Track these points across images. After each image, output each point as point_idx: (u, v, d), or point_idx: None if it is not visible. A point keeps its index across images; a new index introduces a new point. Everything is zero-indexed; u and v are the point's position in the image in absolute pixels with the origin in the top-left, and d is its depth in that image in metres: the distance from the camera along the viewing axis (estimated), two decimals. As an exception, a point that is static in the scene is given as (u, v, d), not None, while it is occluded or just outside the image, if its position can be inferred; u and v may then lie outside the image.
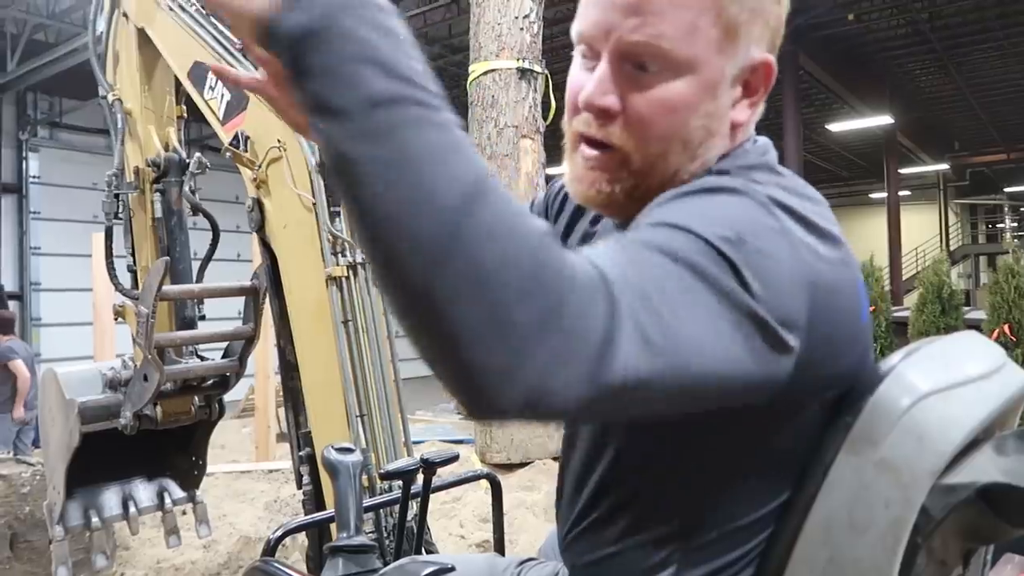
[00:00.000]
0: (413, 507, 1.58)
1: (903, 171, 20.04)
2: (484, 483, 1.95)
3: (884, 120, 15.18)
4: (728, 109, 0.82)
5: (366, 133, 0.51)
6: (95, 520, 2.94)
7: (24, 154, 12.38)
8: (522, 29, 5.64)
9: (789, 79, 12.37)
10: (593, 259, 0.59)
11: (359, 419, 2.03)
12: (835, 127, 16.13)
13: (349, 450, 1.07)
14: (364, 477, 1.59)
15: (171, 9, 2.51)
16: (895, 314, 8.35)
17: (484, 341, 0.50)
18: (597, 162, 0.82)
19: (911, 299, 12.82)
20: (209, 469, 3.21)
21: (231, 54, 2.28)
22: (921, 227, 24.90)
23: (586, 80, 0.82)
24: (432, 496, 1.43)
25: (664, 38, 0.76)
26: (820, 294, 0.69)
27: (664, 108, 0.78)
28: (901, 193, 19.86)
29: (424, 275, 0.50)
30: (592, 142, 0.82)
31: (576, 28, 0.83)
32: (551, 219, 1.10)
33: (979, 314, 7.57)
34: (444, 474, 1.60)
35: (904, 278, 19.25)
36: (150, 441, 2.84)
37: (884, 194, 19.50)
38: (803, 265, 0.69)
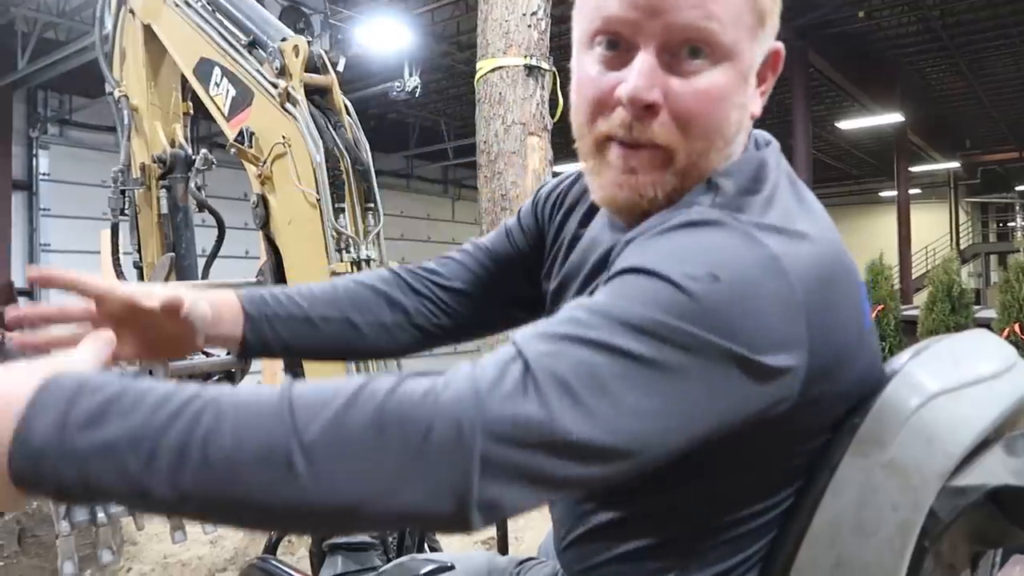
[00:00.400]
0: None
1: (913, 169, 19.93)
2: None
3: (894, 118, 15.10)
4: (750, 100, 0.79)
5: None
6: (101, 515, 2.94)
7: (34, 151, 12.45)
8: (530, 26, 5.62)
9: (799, 76, 12.31)
10: (525, 344, 0.59)
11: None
12: (845, 125, 16.05)
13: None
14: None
15: (177, 6, 2.51)
16: (905, 313, 8.29)
17: (385, 499, 0.54)
18: (640, 163, 0.75)
19: (921, 298, 12.76)
20: (215, 465, 3.21)
21: (237, 51, 2.28)
22: (931, 225, 24.76)
23: (609, 76, 0.75)
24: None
25: (715, 20, 0.71)
26: (818, 310, 0.66)
27: (710, 99, 0.73)
28: (911, 191, 19.76)
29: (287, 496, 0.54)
30: (627, 143, 0.76)
31: (597, 16, 0.75)
32: (541, 224, 1.06)
33: (989, 313, 7.52)
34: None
35: (914, 276, 19.15)
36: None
37: (894, 192, 19.40)
38: (794, 288, 0.65)
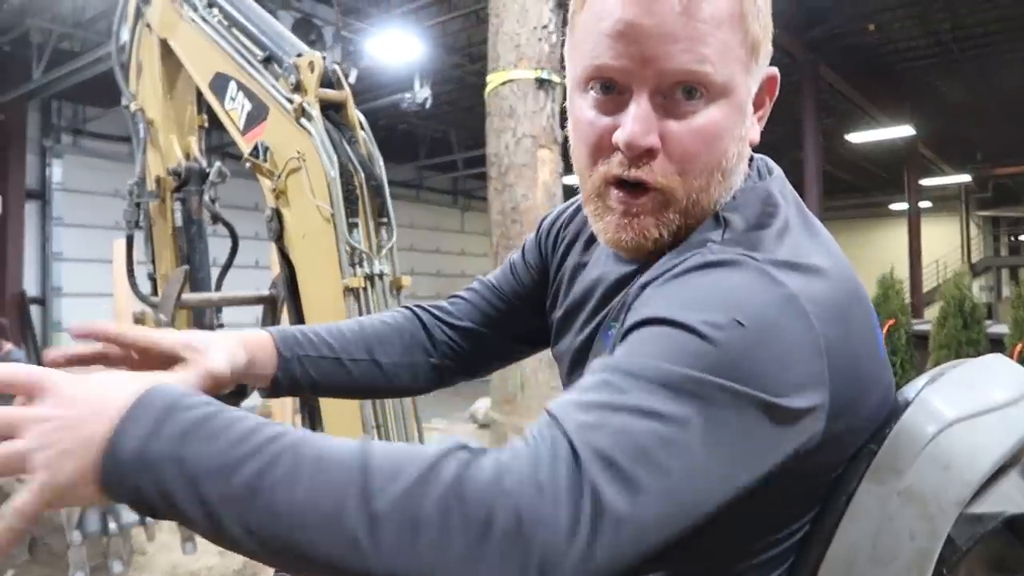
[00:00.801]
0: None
1: (924, 182, 19.86)
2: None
3: (905, 131, 15.06)
4: (748, 130, 0.79)
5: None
6: (112, 526, 2.97)
7: (48, 161, 12.55)
8: (540, 39, 5.64)
9: (808, 90, 12.31)
10: (555, 421, 0.59)
11: (375, 430, 2.03)
12: (855, 138, 16.01)
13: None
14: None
15: (193, 21, 2.54)
16: (916, 328, 8.24)
17: None
18: (641, 207, 0.77)
19: (931, 312, 12.67)
20: (225, 476, 3.23)
21: (252, 66, 2.30)
22: (942, 239, 24.63)
23: (605, 121, 0.76)
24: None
25: (707, 62, 0.72)
26: (837, 346, 0.67)
27: (706, 138, 0.74)
28: (922, 204, 19.68)
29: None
30: (628, 185, 0.76)
31: (589, 63, 0.76)
32: (546, 257, 1.08)
33: (1001, 328, 7.46)
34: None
35: (924, 290, 19.04)
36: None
37: (903, 205, 19.32)
38: (813, 327, 0.65)
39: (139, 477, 0.56)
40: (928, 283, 21.22)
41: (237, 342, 0.92)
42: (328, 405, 2.18)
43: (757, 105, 0.81)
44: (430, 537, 0.53)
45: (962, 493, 0.69)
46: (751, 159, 0.84)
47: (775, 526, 0.74)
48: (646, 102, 0.74)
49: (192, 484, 0.55)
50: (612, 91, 0.76)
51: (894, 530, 0.69)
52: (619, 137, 0.74)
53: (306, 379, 1.00)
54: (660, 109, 0.74)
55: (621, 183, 0.77)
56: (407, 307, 1.15)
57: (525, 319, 1.11)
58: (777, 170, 0.85)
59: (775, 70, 0.81)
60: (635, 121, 0.73)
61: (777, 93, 0.82)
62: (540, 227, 1.11)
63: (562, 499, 0.54)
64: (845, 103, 14.84)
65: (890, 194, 23.68)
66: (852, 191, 24.10)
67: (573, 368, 0.93)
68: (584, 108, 0.78)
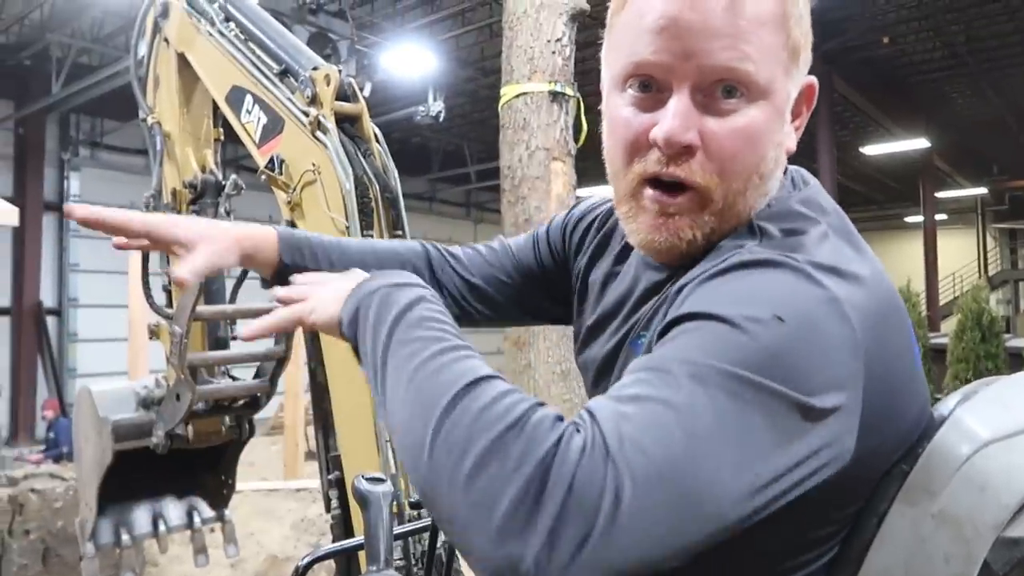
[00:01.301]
0: (442, 535, 1.56)
1: (940, 195, 19.73)
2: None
3: (920, 143, 14.97)
4: (786, 136, 0.78)
5: (382, 375, 0.70)
6: (125, 538, 2.96)
7: (65, 173, 12.69)
8: (554, 52, 5.65)
9: (823, 102, 12.22)
10: (597, 414, 0.58)
11: (389, 444, 2.01)
12: (870, 150, 15.94)
13: (380, 480, 1.05)
14: (394, 505, 1.57)
15: (211, 35, 2.56)
16: (933, 341, 8.15)
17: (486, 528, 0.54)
18: (678, 206, 0.75)
19: (948, 325, 12.54)
20: (238, 486, 3.23)
21: (268, 79, 2.31)
22: (958, 252, 24.42)
23: (643, 118, 0.75)
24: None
25: (749, 60, 0.71)
26: (876, 354, 0.66)
27: (746, 138, 0.73)
28: (937, 217, 19.54)
29: (414, 469, 0.61)
30: (663, 184, 0.75)
31: (628, 60, 0.75)
32: (568, 249, 1.06)
33: (1020, 342, 7.37)
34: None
35: (941, 303, 18.87)
36: (180, 459, 2.86)
37: (919, 218, 19.18)
38: (855, 330, 0.64)
39: (360, 339, 0.75)
40: (944, 296, 21.03)
41: (243, 235, 1.02)
42: (342, 419, 2.17)
43: (795, 114, 0.80)
44: (472, 464, 0.55)
45: (999, 516, 0.66)
46: (785, 169, 0.83)
47: (804, 547, 0.72)
48: (687, 98, 0.73)
49: (376, 330, 0.72)
50: (651, 89, 0.75)
51: (927, 554, 0.67)
52: (657, 133, 0.73)
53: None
54: (700, 107, 0.73)
55: (656, 183, 0.76)
56: (421, 242, 1.16)
57: (534, 294, 1.11)
58: (813, 181, 0.83)
59: (813, 79, 0.80)
60: (675, 116, 0.72)
61: (815, 103, 0.81)
62: (569, 216, 1.09)
63: (596, 482, 0.54)
64: (860, 116, 14.80)
65: (905, 206, 23.54)
66: (867, 203, 23.97)
67: (599, 378, 0.91)
68: (621, 107, 0.77)
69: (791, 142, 0.80)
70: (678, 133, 0.72)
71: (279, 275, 1.04)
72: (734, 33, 0.70)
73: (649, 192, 0.76)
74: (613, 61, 0.79)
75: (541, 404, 0.60)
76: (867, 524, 0.70)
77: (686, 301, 0.67)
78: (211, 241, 0.96)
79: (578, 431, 0.57)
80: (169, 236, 0.97)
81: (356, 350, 0.77)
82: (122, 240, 1.03)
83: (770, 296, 0.63)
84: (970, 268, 24.42)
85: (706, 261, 0.74)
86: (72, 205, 0.97)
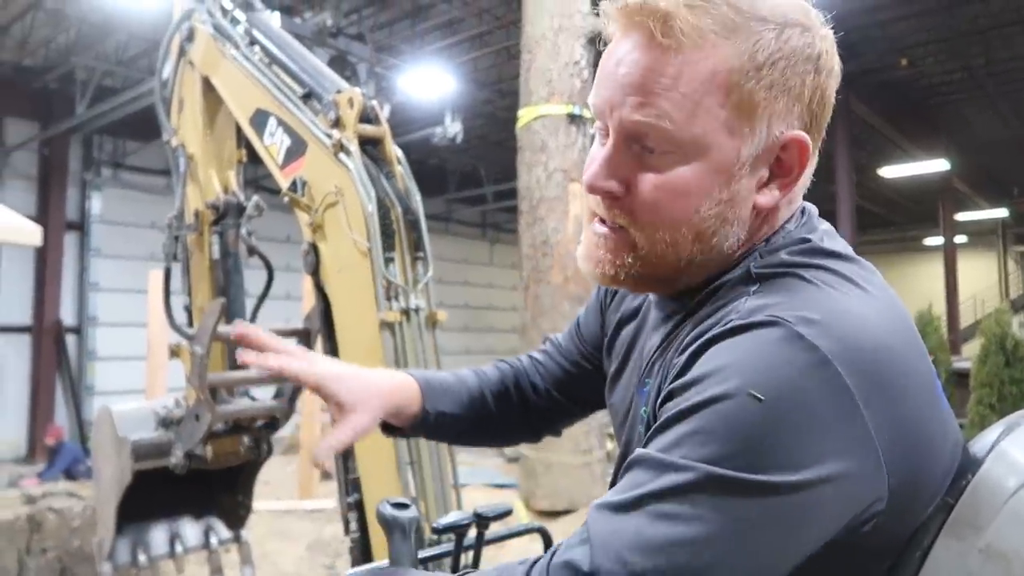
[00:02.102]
0: (465, 557, 1.54)
1: (959, 217, 19.55)
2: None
3: (940, 165, 14.87)
4: (750, 193, 0.75)
5: None
6: (143, 558, 2.95)
7: (87, 193, 12.86)
8: (572, 75, 5.69)
9: (841, 124, 12.24)
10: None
11: (409, 466, 2.00)
12: (888, 172, 15.85)
13: (405, 506, 1.04)
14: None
15: (235, 58, 2.59)
16: (956, 365, 8.04)
17: None
18: (604, 241, 0.80)
19: (969, 348, 12.36)
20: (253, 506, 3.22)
21: (292, 102, 2.33)
22: (979, 274, 24.15)
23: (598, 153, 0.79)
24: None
25: (666, 118, 0.72)
26: (883, 406, 0.64)
27: (671, 193, 0.74)
28: (957, 239, 19.35)
29: None
30: (604, 221, 0.80)
31: (591, 101, 0.80)
32: (606, 306, 1.09)
33: (1045, 367, 7.24)
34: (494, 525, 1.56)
35: (962, 326, 18.64)
36: (198, 479, 2.86)
37: (938, 240, 19.01)
38: (849, 391, 0.62)
39: None
40: (965, 319, 20.77)
41: (394, 391, 1.05)
42: (361, 441, 2.16)
43: (783, 170, 0.76)
44: None
45: (1048, 551, 0.64)
46: (803, 209, 0.82)
47: None
48: (616, 148, 0.76)
49: None
50: (604, 132, 0.79)
51: (975, 590, 0.64)
52: (584, 177, 0.79)
53: (435, 432, 1.13)
54: (633, 157, 0.76)
55: (601, 218, 0.81)
56: (511, 366, 1.20)
57: (591, 381, 1.12)
58: (822, 225, 0.82)
59: (800, 134, 0.74)
60: (596, 164, 0.77)
61: (808, 160, 0.77)
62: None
63: None
64: (878, 137, 14.73)
65: (925, 228, 23.35)
66: (886, 225, 23.80)
67: (623, 422, 0.93)
68: (594, 143, 0.82)
69: (764, 199, 0.76)
70: (595, 180, 0.77)
71: (414, 428, 1.10)
72: (653, 91, 0.72)
73: (595, 224, 0.81)
74: (590, 98, 0.83)
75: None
76: (910, 559, 0.68)
77: (677, 372, 0.70)
78: (368, 408, 1.01)
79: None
80: (332, 394, 1.00)
81: None
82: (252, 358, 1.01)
83: (749, 369, 0.63)
84: (991, 291, 24.12)
85: (707, 310, 0.76)
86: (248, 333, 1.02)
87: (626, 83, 0.73)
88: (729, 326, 0.68)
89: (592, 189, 0.77)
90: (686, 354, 0.70)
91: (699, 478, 0.61)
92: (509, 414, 1.16)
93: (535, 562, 0.67)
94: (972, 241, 24.35)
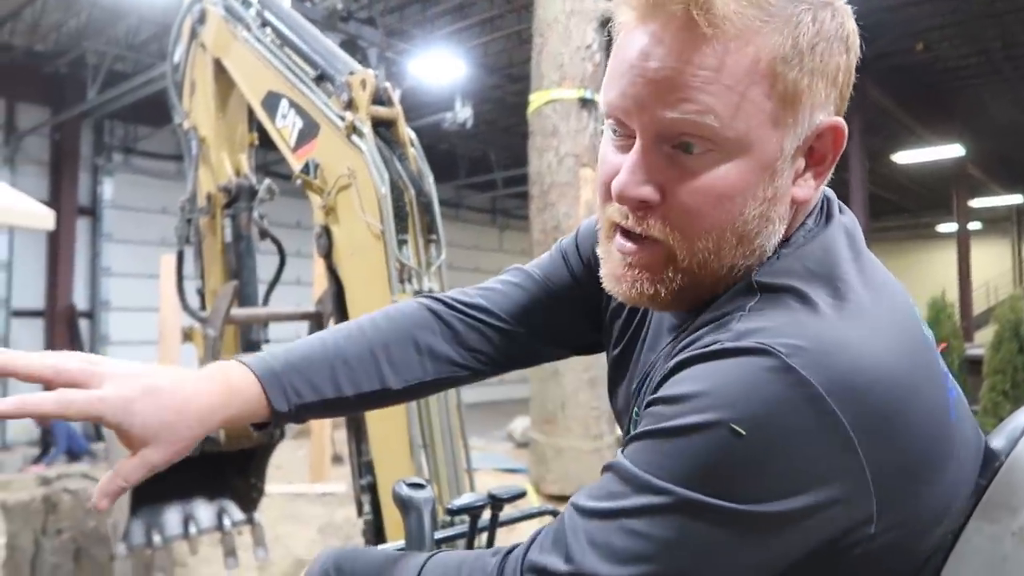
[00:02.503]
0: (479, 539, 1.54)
1: (973, 203, 19.38)
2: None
3: (954, 151, 14.72)
4: (789, 188, 0.70)
5: None
6: (157, 539, 2.98)
7: (99, 178, 12.91)
8: (584, 59, 5.64)
9: (855, 110, 12.04)
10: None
11: (422, 449, 2.00)
12: (901, 158, 15.71)
13: (421, 486, 1.03)
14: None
15: (247, 40, 2.57)
16: (969, 352, 7.98)
17: None
18: (637, 258, 0.71)
19: (982, 335, 12.27)
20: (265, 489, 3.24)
21: (305, 84, 2.32)
22: (992, 261, 23.96)
23: (615, 161, 0.71)
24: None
25: (710, 114, 0.65)
26: (878, 433, 0.61)
27: (713, 197, 0.67)
28: (971, 225, 19.19)
29: None
30: (630, 234, 0.72)
31: (604, 98, 0.71)
32: (586, 267, 0.97)
33: (1060, 354, 7.18)
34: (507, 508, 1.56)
35: (975, 313, 18.52)
36: (211, 462, 2.87)
37: (952, 227, 18.86)
38: (838, 421, 0.60)
39: None
40: (978, 306, 20.63)
41: (211, 410, 0.81)
42: (375, 425, 2.16)
43: (816, 159, 0.71)
44: None
45: (1083, 534, 0.63)
46: (823, 201, 0.76)
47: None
48: (647, 150, 0.69)
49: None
50: (624, 132, 0.71)
51: (1008, 572, 0.63)
52: (613, 185, 0.70)
53: (303, 419, 0.90)
54: (666, 159, 0.68)
55: (626, 231, 0.72)
56: (420, 302, 1.00)
57: (572, 319, 1.00)
58: (839, 216, 0.76)
59: (838, 121, 0.71)
60: (627, 170, 0.69)
61: (843, 146, 0.72)
62: (584, 232, 1.01)
63: None
64: (892, 123, 14.59)
65: (938, 215, 23.17)
66: (898, 212, 23.62)
67: (624, 413, 0.90)
68: (605, 144, 0.74)
69: (802, 191, 0.71)
70: (628, 188, 0.69)
71: (279, 425, 0.89)
72: (692, 85, 0.65)
73: (618, 239, 0.73)
74: (602, 94, 0.75)
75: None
76: (941, 543, 0.67)
77: (664, 378, 0.67)
78: (170, 441, 0.77)
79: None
80: (123, 429, 0.75)
81: None
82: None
83: (736, 399, 0.60)
84: (1004, 278, 23.94)
85: (704, 319, 0.72)
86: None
87: (659, 77, 0.65)
88: (717, 348, 0.64)
89: (624, 199, 0.69)
90: (672, 363, 0.67)
91: (675, 502, 0.60)
92: (411, 369, 0.95)
93: (508, 553, 0.67)
94: (986, 228, 24.15)
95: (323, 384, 0.89)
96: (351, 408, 0.96)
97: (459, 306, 0.99)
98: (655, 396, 0.65)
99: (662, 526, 0.61)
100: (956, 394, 0.71)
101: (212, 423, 0.80)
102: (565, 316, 1.00)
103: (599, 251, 0.78)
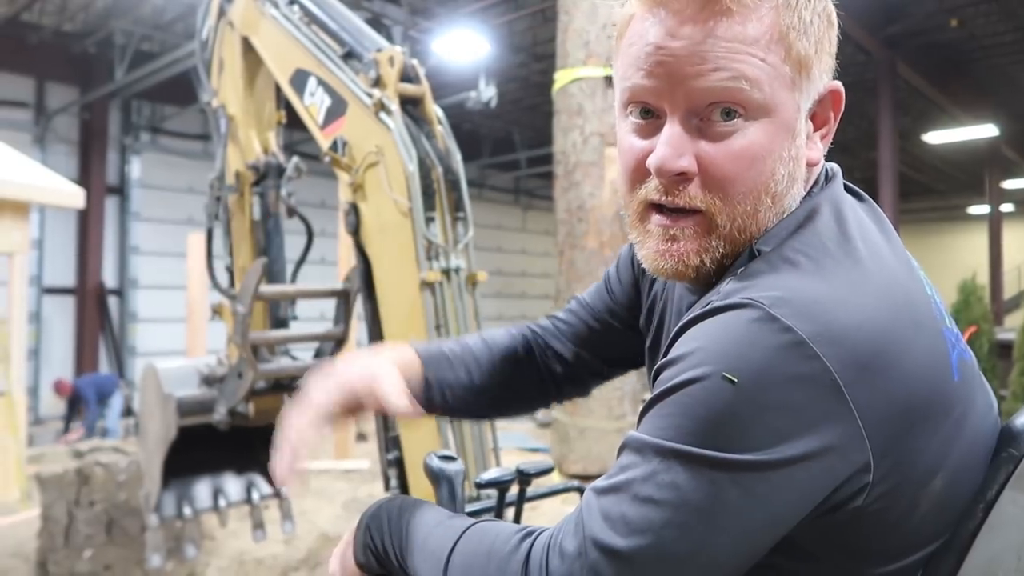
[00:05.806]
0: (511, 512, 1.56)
1: (1006, 185, 18.99)
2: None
3: (987, 130, 14.40)
4: (804, 150, 0.76)
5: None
6: (187, 511, 3.04)
7: (127, 158, 13.05)
8: (610, 36, 5.56)
9: (885, 88, 11.89)
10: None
11: (449, 424, 2.02)
12: (933, 138, 15.41)
13: (452, 459, 1.05)
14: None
15: (275, 18, 2.58)
16: (999, 336, 7.86)
17: None
18: (682, 231, 0.75)
19: (1013, 319, 12.07)
20: (292, 466, 3.29)
21: (333, 61, 2.32)
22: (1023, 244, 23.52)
23: (643, 145, 0.75)
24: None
25: (744, 80, 0.70)
26: (867, 381, 0.64)
27: (747, 160, 0.72)
28: (1003, 208, 18.82)
29: None
30: (667, 210, 0.76)
31: (626, 87, 0.76)
32: (637, 276, 1.06)
33: (1092, 338, 7.03)
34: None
35: (1006, 297, 18.20)
36: (240, 436, 2.92)
37: (983, 209, 18.51)
38: (827, 370, 0.63)
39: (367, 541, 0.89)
40: (1009, 290, 20.28)
41: (392, 367, 1.01)
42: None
43: (820, 122, 0.78)
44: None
45: (1118, 506, 0.63)
46: (826, 170, 0.82)
47: (898, 547, 0.70)
48: (679, 124, 0.73)
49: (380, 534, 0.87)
50: (649, 115, 0.75)
51: (1042, 544, 0.63)
52: (651, 161, 0.74)
53: (443, 406, 1.07)
54: (695, 131, 0.73)
55: (662, 207, 0.76)
56: (523, 332, 1.17)
57: (621, 338, 1.10)
58: (831, 184, 0.80)
59: (837, 84, 0.78)
60: (665, 144, 0.73)
61: (842, 108, 0.79)
62: (627, 251, 1.10)
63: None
64: (923, 101, 14.31)
65: (969, 197, 22.73)
66: (928, 193, 23.21)
67: None
68: (626, 133, 0.78)
69: (813, 153, 0.78)
70: (669, 160, 0.72)
71: (427, 405, 1.06)
72: (721, 55, 0.70)
73: (655, 217, 0.77)
74: (617, 86, 0.79)
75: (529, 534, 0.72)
76: (973, 513, 0.67)
77: (667, 346, 0.71)
78: (392, 379, 0.99)
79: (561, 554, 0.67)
80: (360, 392, 1.00)
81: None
82: None
83: (725, 351, 0.64)
84: (1037, 261, 23.49)
85: (710, 291, 0.76)
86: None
87: (687, 52, 0.71)
88: (708, 307, 0.69)
89: (663, 171, 0.73)
90: (674, 330, 0.72)
91: (679, 459, 0.63)
92: (522, 379, 1.13)
93: (538, 535, 0.71)
94: (1018, 210, 23.66)
95: (463, 370, 1.09)
96: (472, 410, 1.15)
97: (543, 334, 1.17)
98: (660, 363, 0.70)
99: (670, 488, 0.63)
100: (962, 359, 0.73)
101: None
102: (613, 334, 1.11)
103: (632, 237, 0.81)
